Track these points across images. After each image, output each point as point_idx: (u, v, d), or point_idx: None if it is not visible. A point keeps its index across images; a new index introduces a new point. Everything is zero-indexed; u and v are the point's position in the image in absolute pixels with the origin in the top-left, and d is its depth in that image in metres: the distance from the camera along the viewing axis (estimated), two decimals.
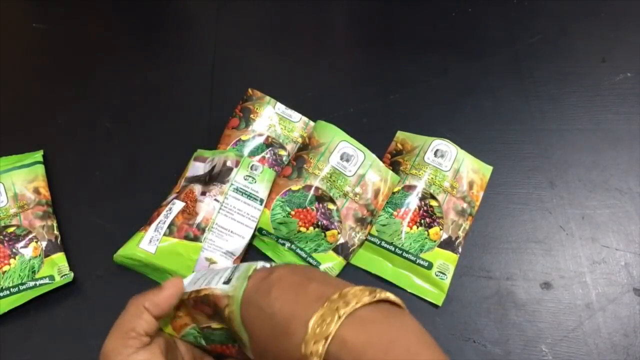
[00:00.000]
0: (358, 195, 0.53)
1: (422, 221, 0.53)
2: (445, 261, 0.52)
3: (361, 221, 0.53)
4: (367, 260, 0.54)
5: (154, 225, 0.51)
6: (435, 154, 0.55)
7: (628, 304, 0.52)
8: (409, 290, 0.52)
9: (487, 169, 0.57)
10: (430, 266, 0.52)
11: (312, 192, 0.52)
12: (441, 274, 0.52)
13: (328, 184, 0.53)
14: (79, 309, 0.52)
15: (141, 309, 0.37)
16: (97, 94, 0.64)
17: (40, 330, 0.51)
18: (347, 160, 0.53)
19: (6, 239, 0.52)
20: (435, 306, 0.52)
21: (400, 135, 0.60)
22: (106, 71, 0.66)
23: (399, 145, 0.58)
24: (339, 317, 0.30)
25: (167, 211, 0.52)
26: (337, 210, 0.52)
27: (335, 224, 0.52)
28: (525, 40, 0.68)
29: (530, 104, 0.64)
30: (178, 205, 0.52)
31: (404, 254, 0.52)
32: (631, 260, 0.55)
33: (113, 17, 0.71)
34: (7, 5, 0.71)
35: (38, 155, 0.58)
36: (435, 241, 0.52)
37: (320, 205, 0.52)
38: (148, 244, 0.51)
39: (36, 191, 0.55)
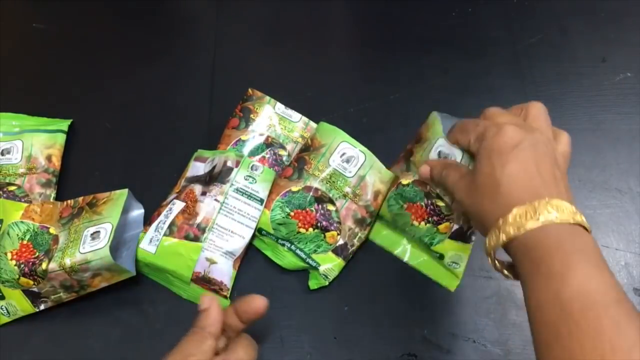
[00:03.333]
0: (358, 197, 0.53)
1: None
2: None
3: (360, 222, 0.53)
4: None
5: (154, 225, 0.52)
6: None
7: None
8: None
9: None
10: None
11: (311, 193, 0.52)
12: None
13: (328, 185, 0.53)
14: (79, 308, 0.52)
15: (204, 336, 0.40)
16: (97, 94, 0.64)
17: (40, 330, 0.51)
18: (348, 161, 0.53)
19: (4, 195, 0.53)
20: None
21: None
22: (106, 71, 0.66)
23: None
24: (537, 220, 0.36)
25: (167, 211, 0.52)
26: (337, 211, 0.52)
27: (335, 225, 0.52)
28: (525, 40, 0.68)
29: None
30: (178, 205, 0.52)
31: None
32: (631, 260, 0.55)
33: (113, 17, 0.71)
34: (7, 5, 0.71)
35: (64, 125, 0.60)
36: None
37: (320, 206, 0.52)
38: (148, 244, 0.51)
39: (48, 158, 0.56)
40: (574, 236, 0.36)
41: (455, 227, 0.51)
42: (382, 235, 0.55)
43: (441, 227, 0.51)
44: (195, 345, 0.39)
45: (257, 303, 0.42)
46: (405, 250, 0.55)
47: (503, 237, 0.37)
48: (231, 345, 0.42)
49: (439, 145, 0.50)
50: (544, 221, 0.36)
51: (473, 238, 0.52)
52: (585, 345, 0.31)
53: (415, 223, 0.52)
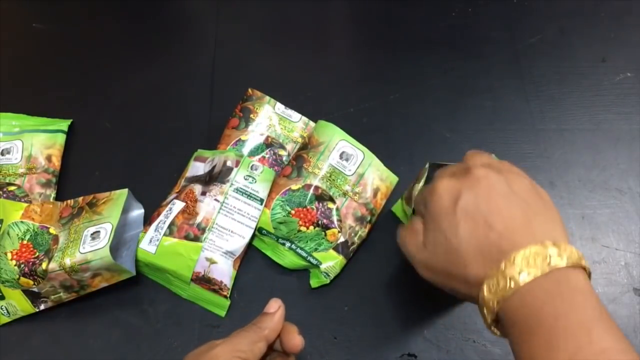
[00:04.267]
0: (358, 195, 0.53)
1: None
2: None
3: (361, 220, 0.53)
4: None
5: (154, 225, 0.52)
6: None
7: (628, 304, 0.52)
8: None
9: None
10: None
11: (311, 191, 0.52)
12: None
13: (328, 183, 0.53)
14: (79, 308, 0.52)
15: (260, 337, 0.39)
16: (97, 94, 0.64)
17: (40, 330, 0.51)
18: (347, 160, 0.53)
19: (4, 195, 0.53)
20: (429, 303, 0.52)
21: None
22: (106, 71, 0.66)
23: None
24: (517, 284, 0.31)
25: (167, 211, 0.52)
26: (337, 209, 0.52)
27: (335, 222, 0.52)
28: (525, 40, 0.68)
29: (530, 104, 0.64)
30: (178, 205, 0.52)
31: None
32: (631, 260, 0.55)
33: (113, 17, 0.71)
34: (7, 5, 0.71)
35: (64, 125, 0.60)
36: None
37: (320, 204, 0.52)
38: (148, 244, 0.51)
39: (48, 158, 0.56)
40: (555, 301, 0.31)
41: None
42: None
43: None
44: (249, 343, 0.38)
45: (295, 341, 0.41)
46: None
47: (488, 316, 0.33)
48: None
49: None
50: (514, 287, 0.31)
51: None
52: None
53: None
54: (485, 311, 0.32)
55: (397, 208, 0.57)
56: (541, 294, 0.30)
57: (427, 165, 0.47)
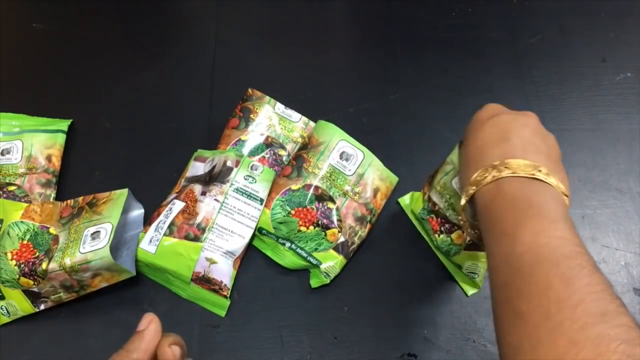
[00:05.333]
0: (357, 195, 0.53)
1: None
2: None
3: (361, 220, 0.53)
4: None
5: (154, 225, 0.52)
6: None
7: (628, 304, 0.52)
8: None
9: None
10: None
11: (311, 191, 0.52)
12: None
13: (328, 183, 0.53)
14: (79, 308, 0.52)
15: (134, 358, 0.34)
16: (97, 94, 0.64)
17: (40, 330, 0.51)
18: (347, 160, 0.53)
19: (4, 195, 0.53)
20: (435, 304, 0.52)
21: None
22: (106, 71, 0.66)
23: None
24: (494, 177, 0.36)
25: (167, 211, 0.52)
26: (337, 209, 0.52)
27: (336, 222, 0.52)
28: (525, 40, 0.68)
29: (530, 104, 0.64)
30: (178, 205, 0.52)
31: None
32: (631, 260, 0.55)
33: (113, 17, 0.71)
34: (7, 5, 0.71)
35: (64, 125, 0.60)
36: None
37: (320, 204, 0.52)
38: (148, 244, 0.51)
39: (48, 158, 0.56)
40: (530, 192, 0.35)
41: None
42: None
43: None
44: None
45: (165, 356, 0.35)
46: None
47: (464, 199, 0.38)
48: None
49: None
50: (494, 177, 0.36)
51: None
52: (531, 303, 0.29)
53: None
54: (465, 193, 0.38)
55: (403, 200, 0.57)
56: (517, 186, 0.35)
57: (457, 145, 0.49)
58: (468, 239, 0.51)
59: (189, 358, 0.37)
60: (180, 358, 0.35)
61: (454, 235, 0.51)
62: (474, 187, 0.37)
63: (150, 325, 0.35)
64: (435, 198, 0.50)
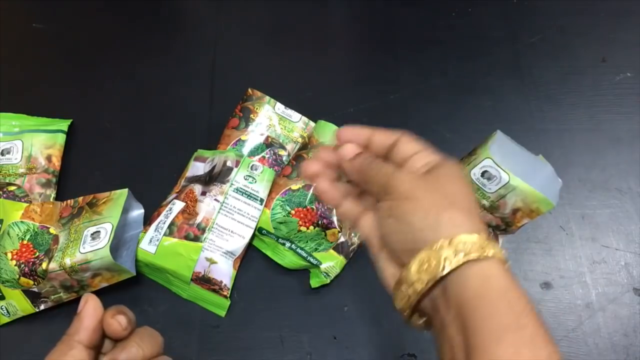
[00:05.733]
0: None
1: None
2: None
3: None
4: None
5: (154, 225, 0.52)
6: None
7: (628, 304, 0.52)
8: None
9: None
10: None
11: (312, 191, 0.52)
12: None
13: None
14: None
15: (71, 345, 0.34)
16: (97, 94, 0.64)
17: (39, 331, 0.51)
18: None
19: (4, 195, 0.53)
20: None
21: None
22: (106, 71, 0.66)
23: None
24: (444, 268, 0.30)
25: (167, 211, 0.52)
26: None
27: (335, 222, 0.52)
28: (525, 40, 0.68)
29: (530, 104, 0.64)
30: (178, 205, 0.52)
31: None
32: (631, 260, 0.55)
33: (113, 17, 0.71)
34: (7, 5, 0.71)
35: (64, 125, 0.60)
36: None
37: (320, 204, 0.52)
38: (148, 244, 0.51)
39: (48, 158, 0.56)
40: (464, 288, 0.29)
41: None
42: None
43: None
44: (57, 358, 0.33)
45: (112, 327, 0.34)
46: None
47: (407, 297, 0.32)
48: (122, 342, 0.36)
49: (485, 165, 0.48)
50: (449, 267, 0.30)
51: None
52: None
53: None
54: (409, 290, 0.32)
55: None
56: (479, 276, 0.30)
57: (494, 134, 0.49)
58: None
59: (162, 356, 0.37)
60: (129, 325, 0.35)
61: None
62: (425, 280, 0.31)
63: (86, 305, 0.34)
64: None
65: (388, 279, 0.36)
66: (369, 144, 0.36)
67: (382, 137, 0.37)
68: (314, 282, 0.53)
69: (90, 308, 0.34)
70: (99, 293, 0.50)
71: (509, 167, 0.46)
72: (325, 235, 0.52)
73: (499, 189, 0.47)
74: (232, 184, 0.52)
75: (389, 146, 0.36)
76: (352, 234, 0.53)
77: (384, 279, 0.36)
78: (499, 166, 0.46)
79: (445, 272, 0.29)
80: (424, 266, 0.31)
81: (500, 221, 0.49)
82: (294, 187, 0.53)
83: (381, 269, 0.36)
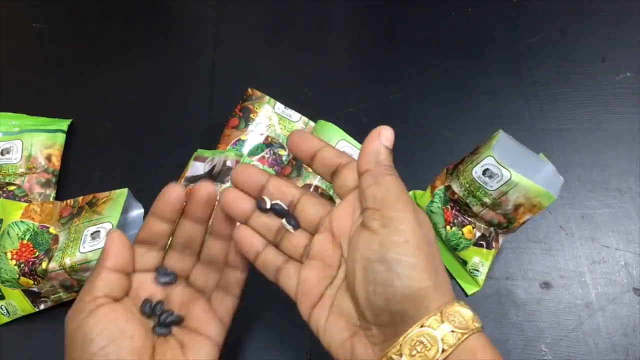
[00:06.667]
0: None
1: None
2: None
3: None
4: None
5: None
6: None
7: (628, 304, 0.52)
8: None
9: None
10: None
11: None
12: None
13: (328, 183, 0.53)
14: None
15: (98, 270, 0.34)
16: (97, 94, 0.64)
17: (40, 330, 0.51)
18: None
19: (4, 195, 0.53)
20: None
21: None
22: (106, 71, 0.66)
23: None
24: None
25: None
26: None
27: None
28: (525, 40, 0.68)
29: (530, 104, 0.64)
30: None
31: None
32: (631, 260, 0.55)
33: (113, 17, 0.71)
34: (7, 5, 0.71)
35: (64, 125, 0.60)
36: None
37: None
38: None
39: (48, 158, 0.56)
40: None
41: (479, 234, 0.52)
42: None
43: (465, 231, 0.51)
44: (86, 286, 0.33)
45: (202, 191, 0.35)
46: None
47: None
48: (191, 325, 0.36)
49: (487, 163, 0.48)
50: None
51: (494, 245, 0.52)
52: None
53: (442, 228, 0.53)
54: None
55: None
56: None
57: (497, 134, 0.48)
58: (478, 234, 0.51)
59: None
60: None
61: (465, 230, 0.51)
62: None
63: (110, 234, 0.35)
64: (455, 187, 0.50)
65: (336, 336, 0.33)
66: (315, 158, 0.34)
67: (332, 154, 0.34)
68: None
69: (114, 236, 0.35)
70: None
71: (510, 164, 0.47)
72: None
73: (501, 186, 0.47)
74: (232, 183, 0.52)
75: (336, 167, 0.34)
76: None
77: (329, 336, 0.33)
78: (500, 164, 0.47)
79: (443, 358, 0.28)
80: (416, 347, 0.28)
81: (503, 218, 0.49)
82: None
83: (322, 326, 0.33)
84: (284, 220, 0.36)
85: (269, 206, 0.36)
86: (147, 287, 0.37)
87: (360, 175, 0.32)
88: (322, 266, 0.34)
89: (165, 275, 0.38)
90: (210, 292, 0.39)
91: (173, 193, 0.36)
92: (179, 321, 0.37)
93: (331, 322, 0.33)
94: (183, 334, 0.36)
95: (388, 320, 0.30)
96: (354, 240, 0.32)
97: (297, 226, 0.36)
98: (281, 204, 0.36)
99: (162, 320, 0.36)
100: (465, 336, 0.28)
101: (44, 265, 0.47)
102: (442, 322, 0.28)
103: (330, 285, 0.34)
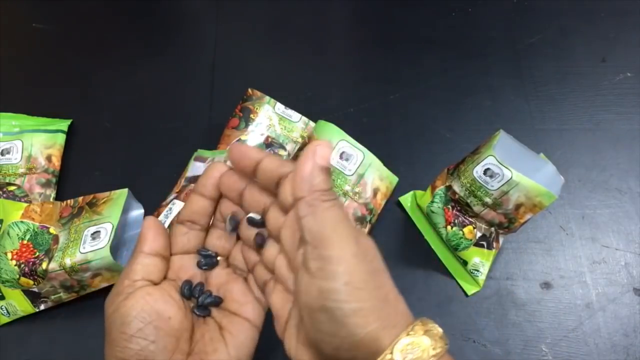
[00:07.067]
0: (357, 195, 0.53)
1: None
2: None
3: (360, 220, 0.53)
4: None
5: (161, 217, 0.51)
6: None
7: (628, 304, 0.52)
8: None
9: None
10: None
11: None
12: None
13: None
14: (79, 308, 0.52)
15: (135, 255, 0.34)
16: (97, 94, 0.64)
17: (40, 330, 0.51)
18: (347, 160, 0.53)
19: (4, 195, 0.53)
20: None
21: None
22: (106, 71, 0.66)
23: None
24: None
25: (167, 211, 0.52)
26: None
27: None
28: (525, 40, 0.68)
29: (530, 104, 0.64)
30: (178, 205, 0.52)
31: None
32: (631, 260, 0.55)
33: (113, 17, 0.71)
34: (7, 5, 0.71)
35: (64, 125, 0.60)
36: None
37: None
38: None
39: (48, 158, 0.56)
40: None
41: (479, 234, 0.52)
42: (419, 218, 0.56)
43: (466, 231, 0.51)
44: (124, 271, 0.33)
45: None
46: (434, 241, 0.55)
47: None
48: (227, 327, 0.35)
49: (488, 162, 0.48)
50: None
51: (494, 245, 0.52)
52: None
53: (443, 228, 0.53)
54: None
55: (404, 199, 0.57)
56: None
57: (497, 133, 0.48)
58: (479, 234, 0.51)
59: None
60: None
61: (465, 230, 0.51)
62: None
63: (146, 220, 0.35)
64: (456, 187, 0.50)
65: None
66: (256, 169, 0.32)
67: (273, 165, 0.32)
68: None
69: (150, 221, 0.35)
70: (99, 293, 0.50)
71: (511, 164, 0.47)
72: None
73: (502, 185, 0.47)
74: None
75: (278, 178, 0.31)
76: None
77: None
78: (501, 164, 0.47)
79: None
80: None
81: (504, 218, 0.49)
82: None
83: (292, 353, 0.32)
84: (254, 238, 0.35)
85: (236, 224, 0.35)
86: (188, 269, 0.36)
87: (295, 202, 0.29)
88: (284, 291, 0.33)
89: (206, 257, 0.37)
90: (248, 271, 0.37)
91: (217, 170, 0.36)
92: (218, 302, 0.36)
93: (299, 351, 0.31)
94: (222, 316, 0.36)
95: None
96: (297, 280, 0.30)
97: (261, 244, 0.34)
98: (254, 216, 0.34)
99: (200, 301, 0.35)
100: None
101: (44, 265, 0.47)
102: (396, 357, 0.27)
103: (293, 309, 0.32)
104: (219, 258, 0.37)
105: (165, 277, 0.35)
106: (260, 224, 0.34)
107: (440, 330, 0.29)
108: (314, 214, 0.28)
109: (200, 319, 0.35)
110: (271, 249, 0.34)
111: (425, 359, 0.27)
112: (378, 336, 0.27)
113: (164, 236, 0.35)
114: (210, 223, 0.37)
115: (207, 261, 0.36)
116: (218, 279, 0.36)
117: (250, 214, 0.35)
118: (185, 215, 0.36)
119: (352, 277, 0.27)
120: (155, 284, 0.34)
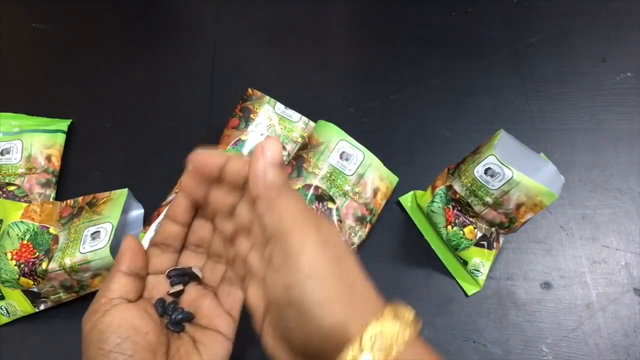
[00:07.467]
0: (358, 195, 0.53)
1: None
2: None
3: (360, 220, 0.53)
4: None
5: (154, 225, 0.51)
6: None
7: (628, 304, 0.52)
8: None
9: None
10: None
11: (311, 191, 0.52)
12: None
13: (328, 183, 0.53)
14: (79, 308, 0.51)
15: (112, 274, 0.35)
16: (97, 94, 0.64)
17: (40, 330, 0.51)
18: (347, 160, 0.53)
19: (4, 195, 0.53)
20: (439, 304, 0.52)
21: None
22: (106, 71, 0.66)
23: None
24: None
25: (167, 211, 0.52)
26: (337, 209, 0.52)
27: (336, 223, 0.52)
28: (525, 40, 0.68)
29: (530, 104, 0.64)
30: None
31: None
32: (631, 260, 0.55)
33: (113, 17, 0.71)
34: (7, 5, 0.71)
35: (64, 125, 0.60)
36: None
37: (320, 204, 0.52)
38: (148, 243, 0.50)
39: (48, 158, 0.56)
40: None
41: (480, 234, 0.52)
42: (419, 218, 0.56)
43: (466, 231, 0.51)
44: (101, 289, 0.34)
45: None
46: (434, 241, 0.55)
47: None
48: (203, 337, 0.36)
49: (489, 162, 0.48)
50: None
51: (495, 245, 0.52)
52: None
53: (443, 228, 0.53)
54: None
55: (404, 199, 0.57)
56: None
57: (498, 133, 0.48)
58: (479, 234, 0.51)
59: None
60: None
61: (466, 230, 0.51)
62: None
63: (125, 240, 0.36)
64: (457, 187, 0.50)
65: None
66: (222, 173, 0.33)
67: (237, 166, 0.32)
68: None
69: (129, 240, 0.36)
70: None
71: (511, 164, 0.47)
72: None
73: (503, 185, 0.47)
74: None
75: (245, 177, 0.31)
76: (352, 234, 0.53)
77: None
78: (502, 163, 0.47)
79: None
80: None
81: (504, 217, 0.49)
82: (294, 187, 0.53)
83: (269, 348, 0.32)
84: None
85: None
86: (161, 288, 0.37)
87: (254, 201, 0.30)
88: (258, 286, 0.32)
89: (177, 276, 0.38)
90: (216, 286, 0.39)
91: (187, 194, 0.36)
92: (189, 318, 0.37)
93: (277, 346, 0.31)
94: (195, 330, 0.37)
95: (313, 357, 0.29)
96: (265, 277, 0.30)
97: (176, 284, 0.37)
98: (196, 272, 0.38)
99: (172, 318, 0.37)
100: (390, 357, 0.26)
101: (44, 266, 0.47)
102: (362, 350, 0.26)
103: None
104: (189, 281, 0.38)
105: (141, 296, 0.36)
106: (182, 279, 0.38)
107: (411, 315, 0.28)
108: (271, 210, 0.29)
109: (175, 334, 0.36)
110: (244, 244, 0.33)
111: (395, 345, 0.27)
112: (346, 326, 0.27)
113: (142, 256, 0.36)
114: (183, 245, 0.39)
115: (179, 280, 0.38)
116: (189, 295, 0.38)
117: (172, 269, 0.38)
118: (158, 239, 0.37)
119: (315, 268, 0.27)
120: (131, 301, 0.35)
